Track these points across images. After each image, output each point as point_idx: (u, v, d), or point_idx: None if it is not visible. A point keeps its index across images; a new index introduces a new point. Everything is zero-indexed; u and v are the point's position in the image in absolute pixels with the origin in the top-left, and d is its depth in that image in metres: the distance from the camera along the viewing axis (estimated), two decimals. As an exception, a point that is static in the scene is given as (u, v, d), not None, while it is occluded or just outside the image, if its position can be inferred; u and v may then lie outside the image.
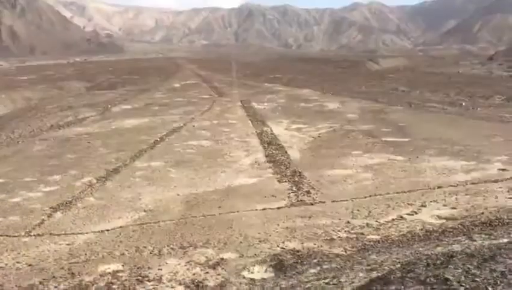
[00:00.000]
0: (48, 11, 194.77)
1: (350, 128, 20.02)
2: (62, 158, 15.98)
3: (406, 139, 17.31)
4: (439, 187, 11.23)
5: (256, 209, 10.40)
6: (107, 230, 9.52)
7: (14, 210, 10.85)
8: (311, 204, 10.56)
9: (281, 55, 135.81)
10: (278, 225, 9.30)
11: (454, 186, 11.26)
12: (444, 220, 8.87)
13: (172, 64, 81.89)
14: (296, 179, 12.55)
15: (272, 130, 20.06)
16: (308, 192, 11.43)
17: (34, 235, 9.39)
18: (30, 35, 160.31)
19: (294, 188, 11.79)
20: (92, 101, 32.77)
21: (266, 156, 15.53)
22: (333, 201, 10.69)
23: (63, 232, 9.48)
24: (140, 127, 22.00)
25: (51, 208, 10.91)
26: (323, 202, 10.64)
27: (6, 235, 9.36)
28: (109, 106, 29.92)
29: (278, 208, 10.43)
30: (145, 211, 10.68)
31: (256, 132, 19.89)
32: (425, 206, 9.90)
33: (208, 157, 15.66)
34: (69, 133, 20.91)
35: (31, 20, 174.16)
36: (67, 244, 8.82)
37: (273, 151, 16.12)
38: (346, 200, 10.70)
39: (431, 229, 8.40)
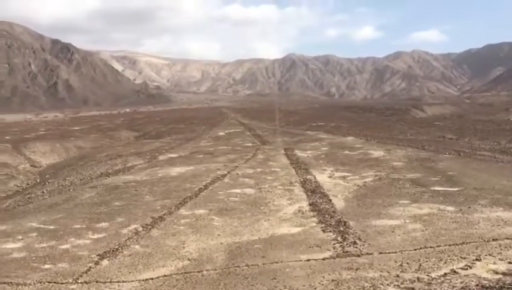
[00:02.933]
0: (101, 64, 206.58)
1: (396, 177, 19.54)
2: (110, 205, 16.40)
3: (456, 189, 16.66)
4: (494, 240, 10.65)
5: (301, 260, 10.17)
6: (152, 279, 9.55)
7: (63, 257, 11.12)
8: (358, 255, 10.22)
9: (324, 104, 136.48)
10: (324, 277, 9.03)
11: (510, 239, 10.64)
12: (501, 276, 8.33)
13: (216, 114, 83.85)
14: (342, 229, 12.25)
15: (315, 178, 19.88)
16: (354, 243, 11.11)
17: (81, 282, 9.54)
18: (84, 88, 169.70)
19: (339, 239, 11.50)
20: (140, 150, 33.83)
21: (310, 204, 15.33)
22: (381, 253, 10.32)
23: (109, 280, 9.58)
24: (186, 175, 22.37)
25: (98, 255, 11.11)
26: (371, 254, 10.28)
27: (55, 282, 9.56)
28: (156, 154, 30.75)
29: (323, 259, 10.17)
30: (189, 259, 10.67)
31: (299, 180, 19.77)
32: (479, 260, 9.37)
33: (251, 205, 15.63)
34: (118, 180, 21.54)
35: (86, 73, 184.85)
36: (113, 292, 8.89)
37: (317, 199, 15.90)
38: (395, 252, 10.29)
39: (487, 285, 7.90)
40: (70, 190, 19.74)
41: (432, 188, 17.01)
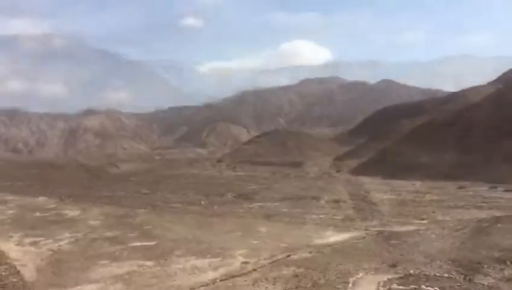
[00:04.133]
0: None
1: (94, 237, 18.72)
2: None
3: (154, 243, 17.11)
4: (191, 289, 11.19)
5: None
6: None
7: None
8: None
9: (10, 161, 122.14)
10: None
11: (205, 285, 11.43)
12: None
13: None
14: (33, 305, 10.63)
15: (-1, 248, 17.02)
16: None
17: None
18: None
19: (30, 317, 9.90)
20: None
21: (-9, 281, 12.86)
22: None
23: None
24: None
25: None
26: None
27: None
28: None
29: None
30: None
31: (-24, 252, 16.52)
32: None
33: None
34: None
35: None
36: None
37: (2, 273, 13.54)
38: (96, 320, 9.51)
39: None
40: None
41: (131, 245, 16.96)
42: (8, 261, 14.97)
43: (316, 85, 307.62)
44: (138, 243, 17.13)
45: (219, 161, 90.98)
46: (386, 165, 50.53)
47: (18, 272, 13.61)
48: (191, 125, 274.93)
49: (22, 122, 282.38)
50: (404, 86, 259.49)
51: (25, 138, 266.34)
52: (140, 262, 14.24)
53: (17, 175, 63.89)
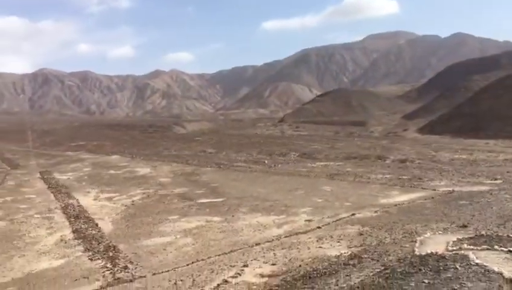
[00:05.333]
0: None
1: (164, 193, 19.57)
2: None
3: (220, 200, 17.62)
4: (257, 244, 11.48)
5: (66, 297, 8.99)
6: None
7: None
8: (131, 281, 9.61)
9: (84, 122, 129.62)
10: (92, 311, 8.14)
11: (270, 241, 11.65)
12: (267, 278, 8.95)
13: (-50, 135, 70.40)
14: (111, 255, 11.41)
15: (78, 202, 18.32)
16: (125, 267, 10.43)
17: None
18: None
19: (109, 265, 10.65)
20: None
21: (74, 231, 13.91)
22: (154, 274, 9.93)
23: None
24: None
25: None
26: (143, 277, 9.80)
27: None
28: None
29: (92, 291, 9.21)
30: None
31: (60, 205, 17.90)
32: (247, 265, 9.91)
33: (0, 241, 13.28)
34: None
35: None
36: None
37: (82, 225, 14.57)
38: (168, 271, 10.05)
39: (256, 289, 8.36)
40: None
41: (199, 201, 17.58)
42: (87, 215, 16.04)
43: (382, 41, 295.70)
44: (205, 200, 17.72)
45: (281, 120, 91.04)
46: (456, 124, 48.22)
47: (96, 225, 14.58)
48: (253, 86, 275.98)
49: (94, 85, 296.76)
50: (479, 39, 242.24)
51: (97, 99, 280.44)
52: (208, 218, 14.75)
53: (91, 135, 67.76)
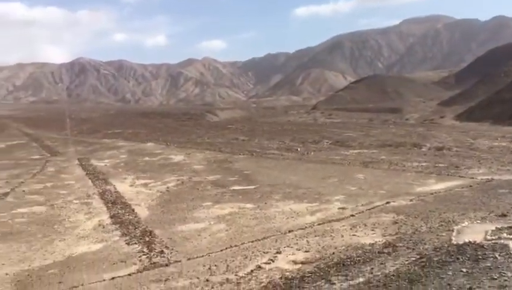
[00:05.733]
0: None
1: (198, 180, 19.82)
2: None
3: (253, 187, 17.70)
4: (290, 231, 11.50)
5: (104, 280, 9.26)
6: None
7: None
8: (166, 265, 9.82)
9: (119, 110, 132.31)
10: (131, 294, 8.37)
11: (303, 228, 11.65)
12: (301, 265, 8.96)
13: (-7, 124, 73.27)
14: (147, 239, 11.68)
15: (115, 188, 18.78)
16: (161, 252, 10.66)
17: None
18: None
19: (145, 250, 10.91)
20: None
21: (111, 217, 14.30)
22: (189, 259, 10.12)
23: None
24: (-46, 197, 18.63)
25: None
26: (179, 261, 9.99)
27: None
28: None
29: (129, 274, 9.45)
30: (-38, 300, 8.72)
31: (98, 191, 18.40)
32: (280, 252, 9.95)
33: (42, 225, 13.79)
34: None
35: None
36: None
37: (119, 211, 14.96)
38: (203, 256, 10.22)
39: (290, 276, 8.37)
40: None
41: (232, 188, 17.73)
42: (123, 201, 16.44)
43: (418, 25, 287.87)
44: (238, 187, 17.85)
45: (314, 108, 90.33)
46: (496, 110, 46.65)
47: (133, 210, 14.93)
48: (285, 73, 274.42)
49: (129, 74, 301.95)
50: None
51: (132, 88, 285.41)
52: (241, 205, 14.86)
53: (127, 123, 69.12)
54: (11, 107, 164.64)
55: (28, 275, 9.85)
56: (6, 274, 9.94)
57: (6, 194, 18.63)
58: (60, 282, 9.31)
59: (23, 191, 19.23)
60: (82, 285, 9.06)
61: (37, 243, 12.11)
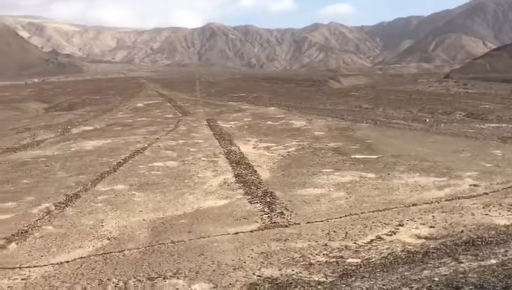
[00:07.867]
0: (4, 31, 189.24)
1: (319, 146, 19.80)
2: (18, 183, 14.95)
3: (375, 156, 17.19)
4: (414, 205, 11.02)
5: (228, 234, 9.85)
6: (67, 261, 8.73)
7: (-38, 243, 9.86)
8: (286, 226, 10.10)
9: (245, 75, 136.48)
10: (252, 249, 8.79)
11: (429, 203, 11.08)
12: (424, 240, 8.58)
13: (134, 84, 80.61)
14: (268, 200, 12.08)
15: (239, 149, 19.60)
16: (281, 213, 10.98)
17: (-16, 270, 8.48)
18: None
19: (266, 210, 11.32)
20: (51, 123, 31.49)
21: (235, 176, 15.02)
22: (308, 222, 10.27)
23: (18, 266, 8.63)
24: (102, 148, 21.07)
25: (4, 239, 10.00)
26: (298, 224, 10.20)
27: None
28: (69, 127, 28.77)
29: (251, 231, 9.91)
30: (108, 238, 9.93)
31: (223, 151, 19.38)
32: (402, 225, 9.61)
33: (174, 179, 15.01)
34: (26, 156, 19.76)
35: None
36: (23, 279, 7.99)
37: (242, 171, 15.62)
38: (321, 221, 10.30)
39: (413, 250, 8.07)
40: (-30, 168, 17.76)
41: (353, 156, 17.41)
42: (247, 161, 17.12)
43: None
44: (360, 156, 17.48)
45: (447, 76, 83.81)
46: None
47: (255, 171, 15.50)
48: (416, 38, 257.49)
49: (254, 39, 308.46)
50: None
51: (257, 53, 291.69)
52: (362, 174, 14.56)
53: (251, 87, 71.13)
54: (148, 69, 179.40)
55: (162, 223, 10.86)
56: (144, 220, 11.08)
57: (144, 148, 20.56)
58: (189, 232, 10.12)
59: (159, 146, 21.04)
60: (209, 236, 9.74)
61: (170, 194, 13.25)
